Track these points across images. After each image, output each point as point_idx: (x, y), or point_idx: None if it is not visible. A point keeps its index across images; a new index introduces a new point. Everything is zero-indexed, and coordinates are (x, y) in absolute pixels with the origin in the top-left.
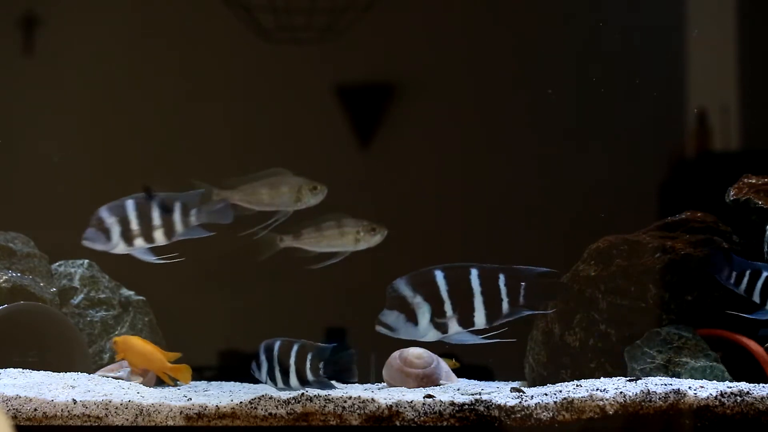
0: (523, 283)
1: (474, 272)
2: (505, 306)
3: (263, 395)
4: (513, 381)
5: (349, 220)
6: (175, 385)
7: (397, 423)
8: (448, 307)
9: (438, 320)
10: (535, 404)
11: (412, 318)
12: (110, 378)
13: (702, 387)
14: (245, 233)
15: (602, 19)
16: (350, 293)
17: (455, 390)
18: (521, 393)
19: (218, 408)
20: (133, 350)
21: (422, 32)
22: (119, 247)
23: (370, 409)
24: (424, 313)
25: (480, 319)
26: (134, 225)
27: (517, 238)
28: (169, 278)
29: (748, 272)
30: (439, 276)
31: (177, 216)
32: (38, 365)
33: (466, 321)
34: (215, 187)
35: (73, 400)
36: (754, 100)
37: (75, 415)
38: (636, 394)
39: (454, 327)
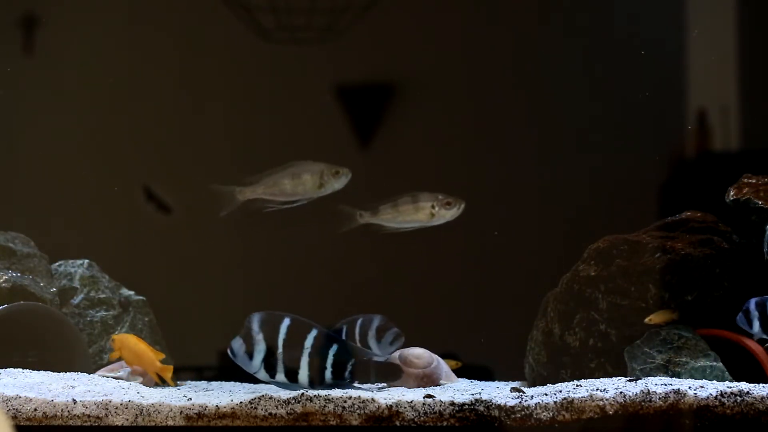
0: (352, 359)
1: (312, 332)
2: (328, 375)
3: (263, 395)
4: (513, 381)
5: (424, 194)
6: (172, 384)
7: (397, 423)
8: (279, 355)
9: (269, 364)
10: (535, 404)
11: (250, 352)
12: (110, 378)
13: (702, 387)
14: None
15: (641, 46)
16: (350, 293)
17: (455, 390)
18: (521, 393)
19: (218, 408)
20: (128, 348)
21: (422, 32)
22: None
23: (370, 409)
24: (259, 352)
25: (303, 378)
26: None
27: (517, 238)
28: (169, 278)
29: None
30: (284, 323)
31: None
32: (38, 365)
33: (291, 375)
34: (237, 185)
35: (73, 400)
36: (754, 100)
37: (75, 415)
38: (636, 394)
39: (280, 376)
